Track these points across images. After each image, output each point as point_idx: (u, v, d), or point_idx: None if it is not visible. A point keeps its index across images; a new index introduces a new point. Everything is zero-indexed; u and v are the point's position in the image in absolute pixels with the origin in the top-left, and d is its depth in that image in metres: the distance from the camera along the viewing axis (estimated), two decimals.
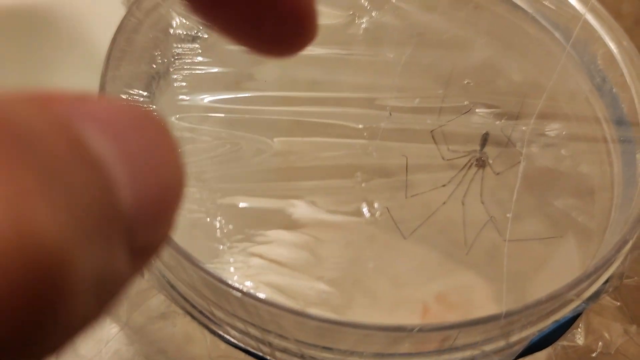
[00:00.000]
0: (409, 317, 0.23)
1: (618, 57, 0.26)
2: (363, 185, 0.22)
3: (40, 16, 0.39)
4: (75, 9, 0.39)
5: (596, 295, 0.19)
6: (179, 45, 0.22)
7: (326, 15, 0.24)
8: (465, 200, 0.26)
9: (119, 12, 0.22)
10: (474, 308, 0.26)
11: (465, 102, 0.24)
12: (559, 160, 0.24)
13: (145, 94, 0.21)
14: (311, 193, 0.22)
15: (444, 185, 0.26)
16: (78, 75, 0.34)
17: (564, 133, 0.24)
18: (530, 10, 0.27)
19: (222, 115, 0.22)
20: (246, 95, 0.23)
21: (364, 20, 0.24)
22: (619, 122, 0.24)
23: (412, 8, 0.25)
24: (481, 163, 0.26)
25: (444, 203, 0.26)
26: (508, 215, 0.23)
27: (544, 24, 0.27)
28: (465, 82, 0.25)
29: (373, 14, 0.25)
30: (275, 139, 0.22)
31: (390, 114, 0.24)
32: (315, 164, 0.22)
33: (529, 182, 0.26)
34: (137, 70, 0.22)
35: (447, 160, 0.26)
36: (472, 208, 0.26)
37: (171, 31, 0.23)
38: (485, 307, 0.25)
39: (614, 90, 0.25)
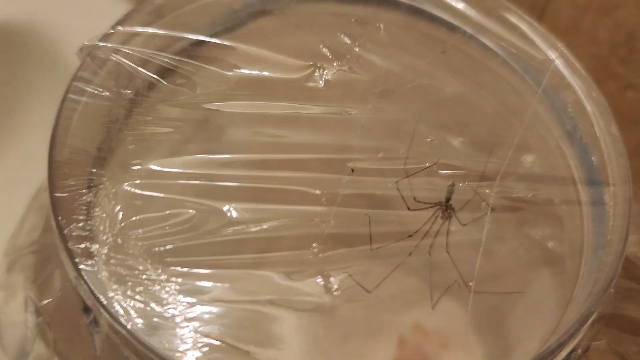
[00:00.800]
0: None
1: (587, 107, 0.25)
2: (320, 256, 0.22)
3: (14, 35, 0.39)
4: (49, 30, 0.38)
5: None
6: (133, 106, 0.22)
7: (284, 66, 0.23)
8: (432, 251, 0.26)
9: (94, 31, 0.22)
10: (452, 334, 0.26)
11: (427, 164, 0.24)
12: (523, 222, 0.24)
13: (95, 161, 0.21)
14: (267, 265, 0.21)
15: (410, 236, 0.26)
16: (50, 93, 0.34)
17: (529, 195, 0.24)
18: (501, 53, 0.27)
19: (174, 181, 0.21)
20: (200, 157, 0.22)
21: (325, 72, 0.23)
22: (591, 182, 0.24)
23: (376, 57, 0.25)
24: (447, 215, 0.26)
25: (410, 254, 0.25)
26: (470, 283, 0.22)
27: (515, 67, 0.27)
28: (429, 139, 0.24)
29: (335, 64, 0.24)
30: (228, 206, 0.22)
31: (350, 172, 0.23)
32: (270, 235, 0.22)
33: (500, 225, 0.25)
34: (87, 134, 0.21)
35: (413, 210, 0.25)
36: (439, 259, 0.26)
37: (124, 91, 0.22)
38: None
39: (584, 139, 0.25)
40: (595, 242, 0.22)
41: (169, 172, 0.21)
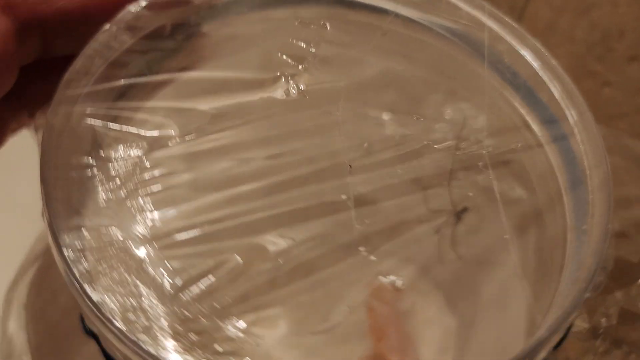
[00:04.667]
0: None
1: (522, 52, 0.25)
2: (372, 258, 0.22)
3: None
4: None
5: None
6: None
7: (252, 84, 0.23)
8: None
9: None
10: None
11: (425, 142, 0.24)
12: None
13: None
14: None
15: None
16: None
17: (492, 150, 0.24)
18: (432, 26, 0.26)
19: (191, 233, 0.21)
20: (208, 199, 0.21)
21: (293, 80, 0.23)
22: (549, 120, 0.23)
23: (336, 53, 0.24)
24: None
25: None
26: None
27: (449, 36, 0.26)
28: (415, 117, 0.24)
29: (300, 67, 0.23)
30: (264, 237, 0.21)
31: (349, 169, 0.23)
32: (317, 253, 0.21)
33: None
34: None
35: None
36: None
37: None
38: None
39: (527, 83, 0.24)
40: (570, 181, 0.23)
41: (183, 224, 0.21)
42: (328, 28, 0.24)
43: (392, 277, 0.22)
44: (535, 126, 0.24)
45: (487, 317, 0.23)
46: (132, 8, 0.21)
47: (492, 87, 0.25)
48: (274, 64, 0.23)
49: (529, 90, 0.24)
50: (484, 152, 0.23)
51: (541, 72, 0.24)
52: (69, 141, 0.20)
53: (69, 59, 0.20)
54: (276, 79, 0.23)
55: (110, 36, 0.21)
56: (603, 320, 0.26)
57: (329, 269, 0.21)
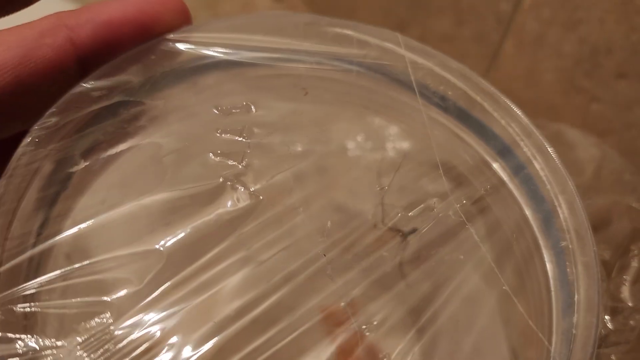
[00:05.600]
0: None
1: (447, 75, 0.24)
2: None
3: None
4: None
5: None
6: None
7: (198, 201, 0.21)
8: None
9: None
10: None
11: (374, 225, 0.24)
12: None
13: None
14: None
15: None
16: None
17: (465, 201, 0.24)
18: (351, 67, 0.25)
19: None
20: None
21: (239, 187, 0.21)
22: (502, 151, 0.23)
23: (269, 128, 0.23)
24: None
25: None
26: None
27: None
28: (378, 188, 0.24)
29: (240, 165, 0.22)
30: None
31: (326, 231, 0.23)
32: None
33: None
34: None
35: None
36: None
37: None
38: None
39: (460, 105, 0.24)
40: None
41: None
42: (253, 110, 0.23)
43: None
44: (491, 159, 0.24)
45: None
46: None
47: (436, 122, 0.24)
48: (211, 168, 0.21)
49: (462, 111, 0.24)
50: (457, 206, 0.23)
51: (474, 95, 0.24)
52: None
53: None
54: (221, 187, 0.21)
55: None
56: None
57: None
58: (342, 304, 0.20)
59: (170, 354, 0.19)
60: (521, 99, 0.24)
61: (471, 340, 0.22)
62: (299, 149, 0.24)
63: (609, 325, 0.25)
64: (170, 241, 0.20)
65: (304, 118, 0.25)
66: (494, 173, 0.24)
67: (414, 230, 0.24)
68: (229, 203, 0.21)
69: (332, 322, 0.21)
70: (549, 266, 0.23)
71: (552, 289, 0.23)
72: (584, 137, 0.29)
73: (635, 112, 0.39)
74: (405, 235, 0.24)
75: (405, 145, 0.26)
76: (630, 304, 0.25)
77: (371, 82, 0.25)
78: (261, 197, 0.21)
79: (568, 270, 0.23)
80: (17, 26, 0.20)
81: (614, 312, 0.25)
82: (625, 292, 0.25)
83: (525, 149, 0.24)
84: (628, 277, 0.25)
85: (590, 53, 0.39)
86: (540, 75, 0.40)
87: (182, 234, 0.20)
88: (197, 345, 0.19)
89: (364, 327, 0.20)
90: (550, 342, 0.22)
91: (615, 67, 0.38)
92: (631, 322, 0.26)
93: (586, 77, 0.39)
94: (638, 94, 0.38)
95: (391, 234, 0.24)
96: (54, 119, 0.20)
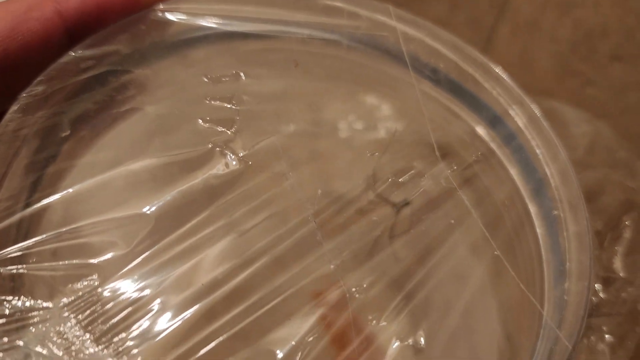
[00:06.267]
0: None
1: (437, 46, 0.24)
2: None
3: None
4: None
5: None
6: None
7: (188, 166, 0.21)
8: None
9: None
10: None
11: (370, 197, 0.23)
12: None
13: None
14: None
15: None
16: None
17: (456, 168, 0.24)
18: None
19: None
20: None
21: (228, 147, 0.21)
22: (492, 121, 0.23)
23: (260, 96, 0.23)
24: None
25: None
26: None
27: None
28: (369, 154, 0.24)
29: (230, 131, 0.22)
30: (268, 340, 0.19)
31: (315, 222, 0.22)
32: None
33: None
34: None
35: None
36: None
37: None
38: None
39: (451, 78, 0.24)
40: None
41: None
42: (243, 77, 0.23)
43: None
44: (482, 130, 0.24)
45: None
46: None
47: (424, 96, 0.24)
48: (201, 134, 0.21)
49: (455, 85, 0.24)
50: (449, 172, 0.23)
51: (465, 67, 0.24)
52: None
53: None
54: (210, 153, 0.21)
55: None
56: None
57: None
58: (332, 266, 0.20)
59: (156, 316, 0.19)
60: (515, 83, 0.25)
61: (461, 306, 0.22)
62: (289, 118, 0.24)
63: (601, 294, 0.24)
64: (157, 205, 0.20)
65: (294, 91, 0.25)
66: (485, 143, 0.24)
67: (406, 203, 0.24)
68: (218, 168, 0.21)
69: (321, 286, 0.21)
70: (540, 235, 0.23)
71: (544, 257, 0.23)
72: (577, 114, 0.29)
73: (629, 96, 0.39)
74: (397, 208, 0.24)
75: (395, 121, 0.26)
76: (621, 275, 0.25)
77: (362, 57, 0.25)
78: (250, 163, 0.21)
79: (560, 239, 0.23)
80: (4, 1, 0.21)
81: (606, 283, 0.25)
82: (617, 262, 0.25)
83: (517, 119, 0.24)
84: (620, 249, 0.25)
85: (585, 37, 0.39)
86: (534, 60, 0.40)
87: (170, 199, 0.20)
88: (182, 309, 0.19)
89: (353, 289, 0.20)
90: (542, 308, 0.22)
91: (610, 51, 0.38)
92: (623, 295, 0.26)
93: (581, 61, 0.39)
94: (633, 78, 0.38)
95: (383, 208, 0.24)
96: (41, 87, 0.20)
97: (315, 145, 0.25)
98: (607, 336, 0.25)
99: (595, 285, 0.24)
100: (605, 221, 0.25)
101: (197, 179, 0.21)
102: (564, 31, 0.39)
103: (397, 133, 0.25)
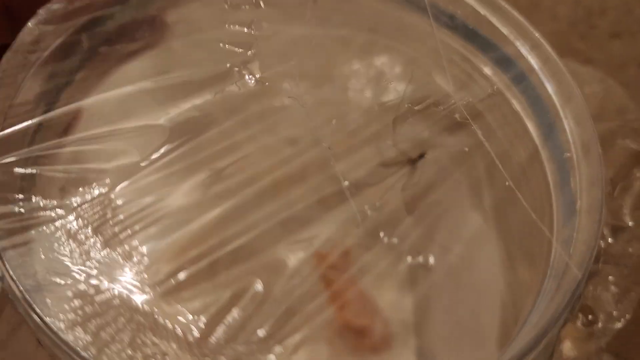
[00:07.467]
0: None
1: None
2: None
3: None
4: None
5: None
6: None
7: (204, 83, 0.21)
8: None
9: None
10: None
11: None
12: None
13: None
14: None
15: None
16: None
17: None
18: None
19: None
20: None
21: (245, 68, 0.21)
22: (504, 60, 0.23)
23: (278, 30, 0.23)
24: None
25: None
26: None
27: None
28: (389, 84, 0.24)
29: (249, 53, 0.21)
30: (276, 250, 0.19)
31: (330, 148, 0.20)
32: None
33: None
34: None
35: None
36: None
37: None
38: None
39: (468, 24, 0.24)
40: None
41: None
42: (262, 6, 0.23)
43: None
44: (493, 70, 0.24)
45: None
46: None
47: (436, 37, 0.24)
48: (220, 55, 0.21)
49: (471, 31, 0.24)
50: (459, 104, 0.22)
51: (483, 11, 0.24)
52: None
53: None
54: (228, 72, 0.21)
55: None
56: None
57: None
58: (346, 182, 0.20)
59: (164, 223, 0.19)
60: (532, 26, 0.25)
61: (467, 233, 0.22)
62: (305, 51, 0.24)
63: (610, 240, 0.24)
64: (173, 117, 0.20)
65: (309, 34, 0.24)
66: (497, 80, 0.24)
67: (422, 155, 0.24)
68: (236, 85, 0.21)
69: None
70: (550, 176, 0.23)
71: (553, 198, 0.23)
72: (588, 73, 0.29)
73: (629, 72, 0.39)
74: (413, 162, 0.24)
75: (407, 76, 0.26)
76: (630, 224, 0.25)
77: (380, 3, 0.25)
78: (267, 84, 0.21)
79: (571, 178, 0.22)
80: None
81: (614, 231, 0.25)
82: (627, 212, 0.25)
83: (531, 60, 0.24)
84: (630, 200, 0.25)
85: (584, 14, 0.39)
86: None
87: (186, 112, 0.20)
88: (191, 217, 0.19)
89: (365, 206, 0.20)
90: (551, 243, 0.22)
91: (609, 28, 0.39)
92: (630, 249, 0.25)
93: (581, 39, 0.40)
94: (632, 53, 0.39)
95: (400, 163, 0.23)
96: (61, 4, 0.20)
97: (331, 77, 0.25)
98: (612, 287, 0.25)
99: (604, 230, 0.24)
100: (616, 169, 0.25)
101: (214, 95, 0.21)
102: (564, 9, 0.40)
103: (412, 77, 0.25)
